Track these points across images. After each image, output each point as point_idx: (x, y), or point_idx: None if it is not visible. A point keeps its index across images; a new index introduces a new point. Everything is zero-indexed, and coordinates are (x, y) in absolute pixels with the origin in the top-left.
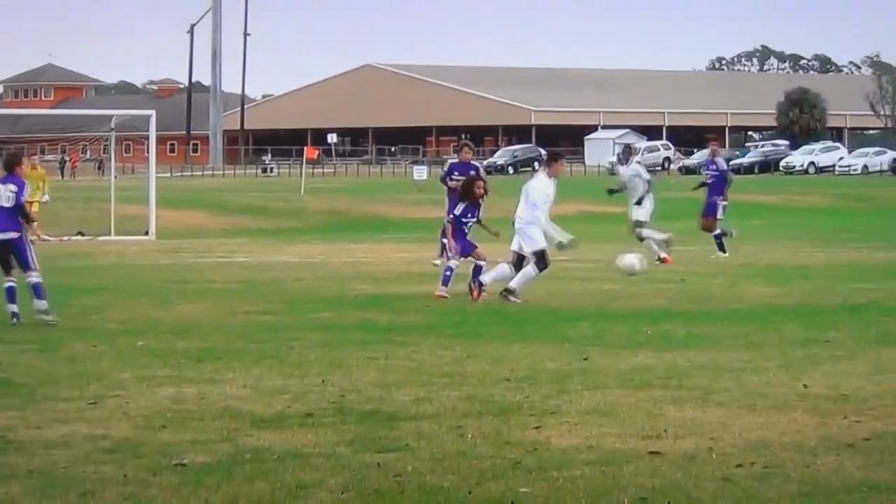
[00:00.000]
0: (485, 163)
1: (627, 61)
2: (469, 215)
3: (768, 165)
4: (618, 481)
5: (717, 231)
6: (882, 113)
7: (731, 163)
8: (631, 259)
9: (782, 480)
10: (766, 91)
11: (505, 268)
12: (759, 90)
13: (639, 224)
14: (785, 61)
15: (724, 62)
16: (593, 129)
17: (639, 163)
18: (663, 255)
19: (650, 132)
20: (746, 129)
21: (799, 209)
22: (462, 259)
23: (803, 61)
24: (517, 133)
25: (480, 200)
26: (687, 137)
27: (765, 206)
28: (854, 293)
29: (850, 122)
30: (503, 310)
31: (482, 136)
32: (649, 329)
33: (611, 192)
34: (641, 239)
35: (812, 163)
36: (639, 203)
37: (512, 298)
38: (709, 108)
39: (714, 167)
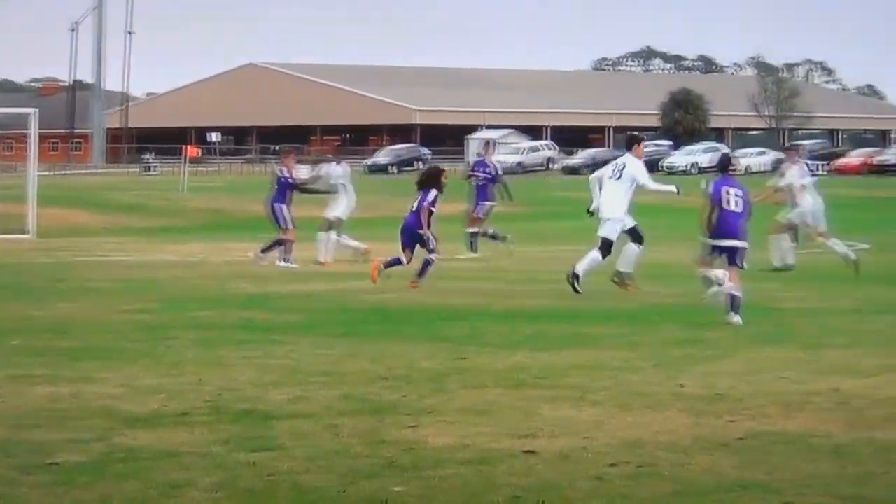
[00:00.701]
0: (367, 162)
1: (511, 61)
2: (437, 204)
3: (651, 166)
4: (492, 480)
5: (475, 229)
6: (765, 113)
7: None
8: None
9: (656, 480)
10: (650, 91)
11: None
12: (643, 90)
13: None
14: (669, 62)
15: (608, 62)
16: (476, 128)
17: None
18: (329, 258)
19: (534, 132)
20: (630, 129)
21: (680, 209)
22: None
23: (687, 62)
24: (400, 132)
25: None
26: (571, 137)
27: (647, 206)
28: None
29: (734, 122)
30: (383, 308)
31: (366, 136)
32: (527, 328)
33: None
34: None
35: (695, 163)
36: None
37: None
38: (593, 108)
39: (486, 169)
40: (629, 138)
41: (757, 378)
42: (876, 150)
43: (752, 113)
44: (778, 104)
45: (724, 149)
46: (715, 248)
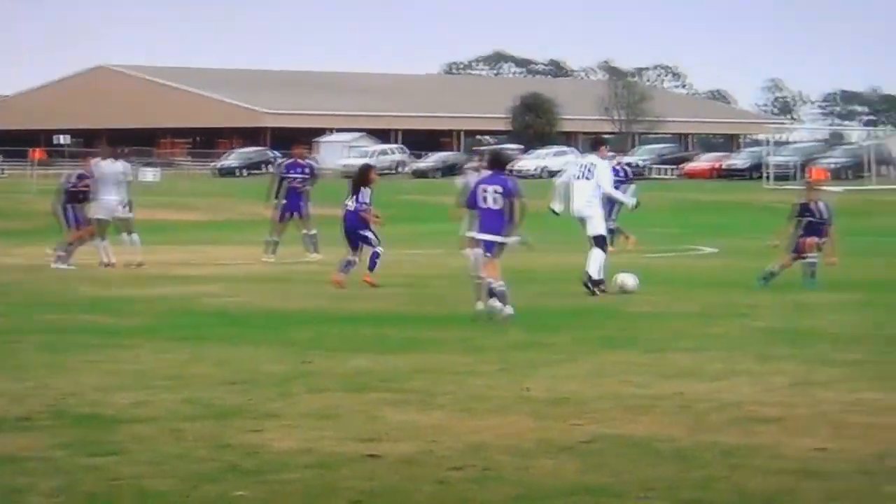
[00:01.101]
0: (216, 165)
1: (362, 65)
2: (370, 201)
3: None
4: (334, 484)
5: (314, 231)
6: (615, 118)
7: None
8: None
9: (499, 483)
10: (500, 95)
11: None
12: (493, 95)
13: None
14: (520, 66)
15: (459, 66)
16: (327, 132)
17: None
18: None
19: (384, 135)
20: (480, 132)
21: (530, 213)
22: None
23: (538, 66)
24: (250, 136)
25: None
26: (421, 141)
27: None
28: (578, 296)
29: (584, 126)
30: (228, 312)
31: (214, 139)
32: (371, 332)
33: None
34: None
35: (544, 167)
36: None
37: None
38: (443, 111)
39: (301, 170)
40: (595, 140)
41: (602, 382)
42: (724, 155)
43: (602, 117)
44: (628, 108)
45: (574, 153)
46: (483, 243)
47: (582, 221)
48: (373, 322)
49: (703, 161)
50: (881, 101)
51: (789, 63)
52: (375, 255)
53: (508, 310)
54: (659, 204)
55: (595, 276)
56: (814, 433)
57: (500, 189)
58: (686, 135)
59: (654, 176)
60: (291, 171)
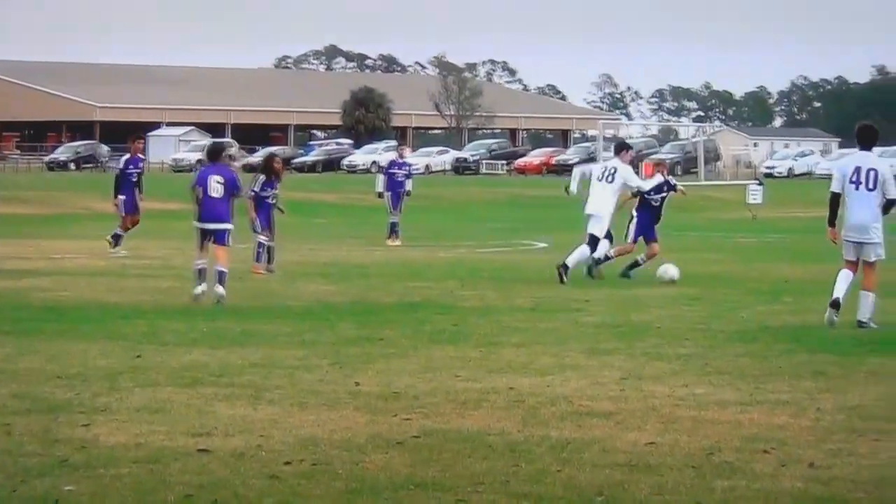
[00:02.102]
0: (46, 159)
1: (194, 58)
2: (269, 189)
3: (332, 164)
4: (165, 479)
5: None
6: (447, 113)
7: (294, 161)
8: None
9: (330, 478)
10: (332, 90)
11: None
12: (325, 89)
13: None
14: (352, 61)
15: (290, 60)
16: (158, 125)
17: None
18: None
19: (215, 130)
20: (312, 127)
21: (360, 208)
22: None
23: (370, 61)
24: (81, 129)
25: (279, 176)
26: (252, 135)
27: (326, 205)
28: (410, 291)
29: (416, 121)
30: (59, 306)
31: (45, 132)
32: (204, 326)
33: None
34: None
35: (375, 161)
36: None
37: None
38: (275, 106)
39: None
40: (618, 145)
41: (434, 376)
42: (556, 150)
43: (433, 112)
44: (459, 104)
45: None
46: (205, 232)
47: (587, 218)
48: (205, 316)
49: (535, 156)
50: (711, 97)
51: (621, 59)
52: (259, 245)
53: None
54: (490, 199)
55: (570, 265)
56: (644, 427)
57: (220, 179)
58: (518, 130)
59: (485, 171)
60: (131, 166)
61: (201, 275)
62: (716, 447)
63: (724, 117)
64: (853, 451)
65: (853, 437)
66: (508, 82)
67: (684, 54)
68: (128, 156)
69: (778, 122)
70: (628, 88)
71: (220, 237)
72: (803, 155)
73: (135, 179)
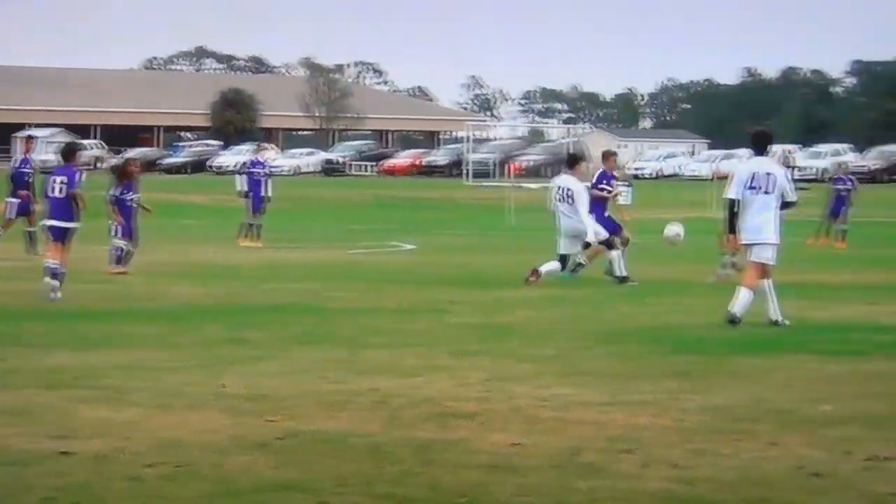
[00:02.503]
0: None
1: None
2: (128, 192)
3: (201, 165)
4: (26, 482)
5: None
6: (315, 114)
7: (163, 162)
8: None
9: (193, 480)
10: (201, 91)
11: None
12: (194, 90)
13: None
14: (221, 62)
15: (159, 62)
16: (24, 127)
17: None
18: None
19: (82, 131)
20: (181, 128)
21: (229, 209)
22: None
23: (239, 62)
24: None
25: (136, 179)
26: (120, 137)
27: (194, 206)
28: (277, 293)
29: (284, 122)
30: None
31: None
32: (69, 328)
33: None
34: None
35: (244, 163)
36: None
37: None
38: (142, 107)
39: (27, 166)
40: (572, 157)
41: (299, 378)
42: (424, 151)
43: (302, 113)
44: (328, 105)
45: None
46: (50, 230)
47: (562, 238)
48: (69, 318)
49: (403, 158)
50: (580, 98)
51: (490, 61)
52: (113, 249)
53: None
54: (358, 200)
55: (543, 273)
56: (508, 428)
57: (65, 180)
58: (387, 132)
59: (353, 172)
60: (24, 166)
61: (50, 273)
62: (579, 448)
63: (593, 119)
64: (716, 451)
65: (716, 437)
66: (377, 84)
67: (553, 56)
68: (22, 156)
69: (647, 123)
70: (498, 90)
71: (59, 234)
72: (671, 156)
73: (29, 180)
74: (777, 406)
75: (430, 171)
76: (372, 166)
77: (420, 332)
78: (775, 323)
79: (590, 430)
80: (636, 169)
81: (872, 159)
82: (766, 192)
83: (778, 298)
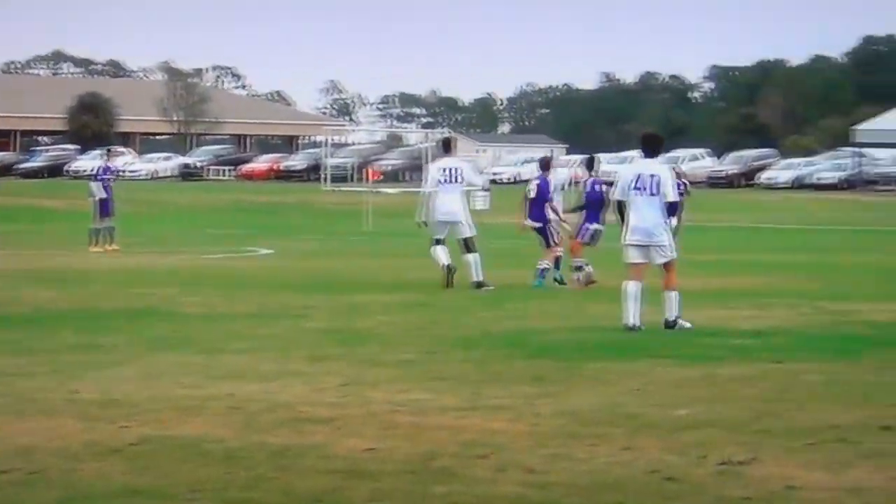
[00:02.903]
0: None
1: None
2: None
3: (58, 170)
4: None
5: None
6: (173, 118)
7: (20, 166)
8: None
9: (45, 487)
10: (58, 95)
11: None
12: (51, 94)
13: None
14: (79, 66)
15: (16, 66)
16: None
17: None
18: None
19: None
20: (38, 132)
21: (85, 213)
22: None
23: (97, 66)
24: None
25: None
26: None
27: (51, 211)
28: (132, 298)
29: (142, 127)
30: None
31: None
32: None
33: None
34: None
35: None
36: None
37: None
38: None
39: None
40: (444, 141)
41: (154, 383)
42: (282, 156)
43: (160, 118)
44: (186, 109)
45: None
46: None
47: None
48: None
49: (261, 162)
50: (439, 103)
51: (348, 65)
52: None
53: None
54: (216, 205)
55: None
56: (363, 433)
57: None
58: (245, 136)
59: (211, 177)
60: None
61: None
62: (434, 453)
63: (451, 123)
64: (570, 456)
65: (571, 442)
66: (236, 88)
67: (412, 61)
68: None
69: (506, 128)
70: (356, 95)
71: None
72: (529, 161)
73: None
74: (631, 410)
75: (288, 175)
76: (230, 171)
77: (276, 336)
78: (632, 328)
79: (445, 435)
80: (494, 174)
81: (729, 164)
82: (652, 194)
83: (640, 304)
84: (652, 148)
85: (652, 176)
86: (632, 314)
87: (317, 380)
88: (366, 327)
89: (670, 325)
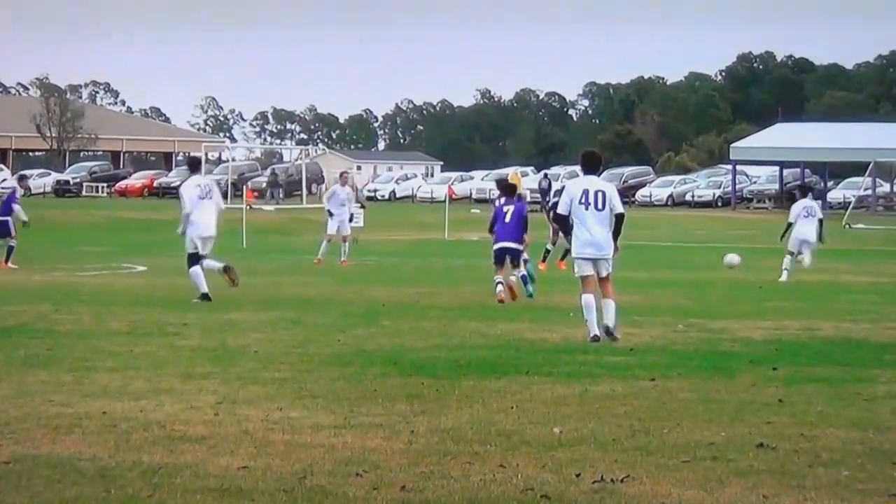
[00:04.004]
0: None
1: None
2: None
3: None
4: None
5: None
6: (48, 135)
7: None
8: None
9: None
10: None
11: None
12: None
13: None
14: None
15: None
16: None
17: None
18: None
19: None
20: None
21: None
22: None
23: None
24: None
25: None
26: None
27: None
28: (3, 315)
29: (16, 143)
30: None
31: None
32: None
33: None
34: None
35: None
36: None
37: None
38: None
39: None
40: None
41: (25, 401)
42: (158, 173)
43: (35, 134)
44: (61, 125)
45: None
46: None
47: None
48: None
49: (136, 179)
50: (315, 119)
51: (225, 81)
52: None
53: None
54: (90, 222)
55: None
56: (237, 452)
57: None
58: (120, 152)
59: (85, 194)
60: None
61: None
62: (308, 471)
63: (328, 140)
64: (445, 474)
65: (446, 460)
66: (112, 104)
67: (289, 77)
68: None
69: (381, 145)
70: (232, 111)
71: None
72: (406, 178)
73: None
74: (507, 428)
75: (163, 192)
76: (105, 187)
77: (150, 354)
78: (597, 339)
79: (320, 453)
80: (370, 191)
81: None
82: (598, 209)
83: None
84: (593, 165)
85: (598, 192)
86: (595, 325)
87: (191, 398)
88: (240, 345)
89: (611, 332)
